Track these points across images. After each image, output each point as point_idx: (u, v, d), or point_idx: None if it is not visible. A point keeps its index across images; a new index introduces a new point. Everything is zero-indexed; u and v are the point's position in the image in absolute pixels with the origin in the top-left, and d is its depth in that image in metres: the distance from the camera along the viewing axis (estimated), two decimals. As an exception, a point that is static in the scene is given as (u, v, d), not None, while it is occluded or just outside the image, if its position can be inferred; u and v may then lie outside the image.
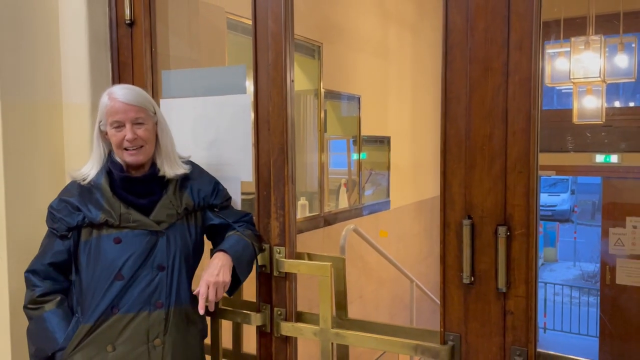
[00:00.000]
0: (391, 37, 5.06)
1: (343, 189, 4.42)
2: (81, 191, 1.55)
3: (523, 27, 1.34)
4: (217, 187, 1.67)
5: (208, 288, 1.48)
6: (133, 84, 1.93)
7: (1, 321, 1.82)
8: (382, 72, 4.96)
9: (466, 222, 1.40)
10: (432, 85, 5.61)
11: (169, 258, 1.53)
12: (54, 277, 1.55)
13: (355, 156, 4.62)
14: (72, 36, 1.94)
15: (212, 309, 1.53)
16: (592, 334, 7.63)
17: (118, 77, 1.99)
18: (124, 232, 1.50)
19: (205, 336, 1.70)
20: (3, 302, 1.81)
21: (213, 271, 1.50)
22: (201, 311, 1.49)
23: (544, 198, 14.30)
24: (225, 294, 1.57)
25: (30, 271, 1.57)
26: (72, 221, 1.52)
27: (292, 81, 1.68)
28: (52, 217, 1.56)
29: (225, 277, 1.51)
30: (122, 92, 1.51)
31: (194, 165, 1.67)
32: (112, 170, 1.54)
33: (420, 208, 5.70)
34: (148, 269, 1.50)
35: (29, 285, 1.56)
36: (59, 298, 1.55)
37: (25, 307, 1.57)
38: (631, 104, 10.80)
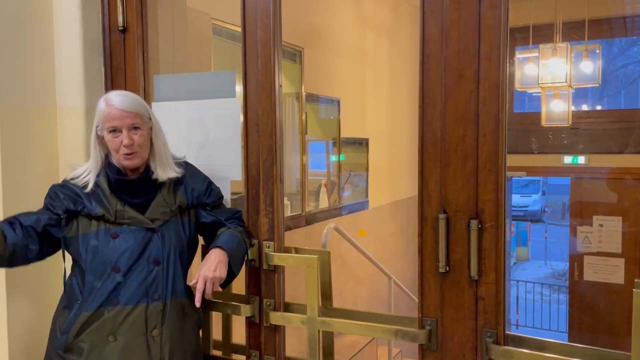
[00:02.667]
0: (369, 43, 5.18)
1: (323, 190, 4.51)
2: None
3: (492, 38, 1.46)
4: (210, 187, 1.74)
5: (205, 283, 1.56)
6: (126, 88, 2.00)
7: (-1, 316, 1.86)
8: (360, 76, 5.07)
9: (442, 216, 1.52)
10: (408, 88, 5.75)
11: (164, 253, 1.61)
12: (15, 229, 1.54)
13: (334, 158, 4.71)
14: (67, 42, 2.01)
15: (208, 298, 1.60)
16: (562, 329, 7.89)
17: (111, 82, 2.06)
18: (121, 228, 1.58)
19: (201, 327, 1.79)
20: (1, 297, 1.87)
21: (210, 267, 1.58)
22: (198, 304, 1.57)
23: (516, 199, 14.59)
24: (219, 287, 1.64)
25: None
26: (71, 204, 1.59)
27: (280, 86, 1.79)
28: (53, 195, 1.61)
29: (222, 272, 1.59)
30: (119, 99, 1.57)
31: (188, 165, 1.74)
32: (108, 172, 1.62)
33: (397, 208, 5.83)
34: (144, 264, 1.58)
35: None
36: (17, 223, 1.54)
37: None
38: (598, 107, 11.19)
